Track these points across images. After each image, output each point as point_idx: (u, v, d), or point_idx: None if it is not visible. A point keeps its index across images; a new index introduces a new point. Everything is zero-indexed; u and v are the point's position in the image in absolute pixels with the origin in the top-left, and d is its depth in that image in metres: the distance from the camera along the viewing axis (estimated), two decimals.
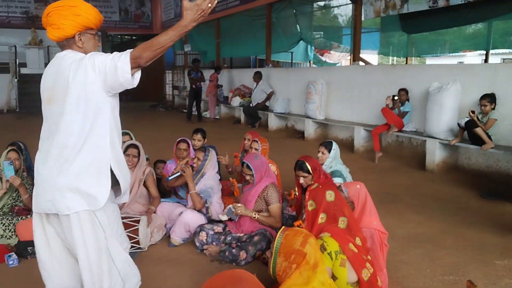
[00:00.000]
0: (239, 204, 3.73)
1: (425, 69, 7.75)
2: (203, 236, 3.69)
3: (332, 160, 4.16)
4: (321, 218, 2.63)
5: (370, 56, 13.95)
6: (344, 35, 13.01)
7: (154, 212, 4.04)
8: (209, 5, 1.93)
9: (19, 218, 3.91)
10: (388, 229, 3.06)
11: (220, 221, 3.96)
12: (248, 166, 3.74)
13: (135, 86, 2.08)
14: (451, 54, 11.74)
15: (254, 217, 3.66)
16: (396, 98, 6.77)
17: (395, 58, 12.72)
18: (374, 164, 6.77)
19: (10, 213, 4.02)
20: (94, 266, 2.11)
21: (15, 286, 3.15)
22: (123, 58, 2.00)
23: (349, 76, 8.56)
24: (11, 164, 3.94)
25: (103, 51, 2.20)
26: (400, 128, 6.85)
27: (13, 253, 3.53)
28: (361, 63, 8.90)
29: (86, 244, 2.08)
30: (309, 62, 15.44)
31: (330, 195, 2.65)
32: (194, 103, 12.34)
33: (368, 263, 2.56)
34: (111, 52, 2.11)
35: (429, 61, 14.25)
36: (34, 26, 15.16)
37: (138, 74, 2.10)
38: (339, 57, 15.44)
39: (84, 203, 2.05)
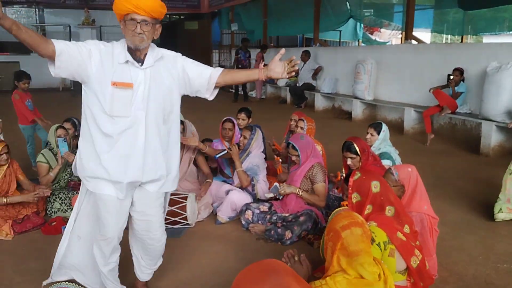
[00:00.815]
0: (282, 184, 3.73)
1: (483, 48, 7.33)
2: (249, 214, 3.73)
3: (381, 142, 4.06)
4: (368, 209, 2.55)
5: (423, 34, 13.35)
6: (395, 13, 12.53)
7: (208, 185, 4.15)
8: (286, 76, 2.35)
9: (75, 192, 4.10)
10: (439, 214, 2.96)
11: (266, 200, 3.99)
12: (293, 147, 3.72)
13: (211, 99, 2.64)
14: (510, 32, 11.03)
15: (298, 194, 3.65)
16: (452, 77, 6.46)
17: (449, 36, 12.12)
18: (425, 147, 6.55)
19: (66, 187, 4.23)
20: (158, 236, 2.61)
21: None
22: (213, 78, 2.57)
23: (400, 56, 8.26)
24: (65, 141, 4.15)
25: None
26: (454, 110, 6.56)
27: None
28: (413, 41, 8.56)
29: (158, 217, 2.60)
30: (358, 41, 15.03)
31: (375, 186, 2.52)
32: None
33: (417, 250, 2.49)
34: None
35: (487, 39, 13.45)
36: (87, 6, 15.61)
37: (215, 91, 2.63)
38: (390, 36, 14.93)
39: (170, 186, 2.55)
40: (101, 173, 2.27)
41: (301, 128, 4.56)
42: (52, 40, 2.10)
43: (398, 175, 2.87)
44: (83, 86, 2.27)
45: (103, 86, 2.20)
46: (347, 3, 11.61)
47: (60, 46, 2.11)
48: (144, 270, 2.69)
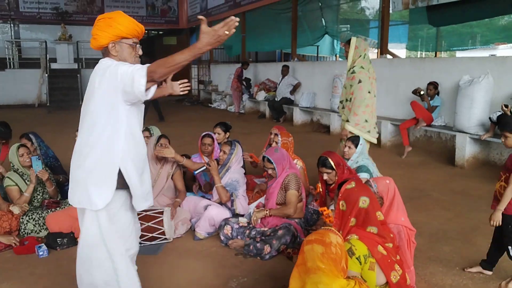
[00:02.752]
0: (254, 212, 3.75)
1: (456, 62, 7.54)
2: (228, 230, 3.70)
3: (358, 155, 4.11)
4: (352, 222, 2.55)
5: (398, 51, 13.67)
6: (371, 28, 12.79)
7: (179, 206, 4.08)
8: (226, 32, 1.95)
9: (49, 211, 4.00)
10: (415, 226, 3.00)
11: (244, 215, 3.97)
12: (269, 160, 3.74)
13: (148, 98, 2.20)
14: (482, 47, 11.37)
15: (268, 214, 3.68)
16: (422, 92, 6.62)
17: (423, 53, 12.42)
18: (401, 159, 6.64)
19: (40, 207, 4.12)
20: (84, 258, 2.36)
21: (45, 276, 3.23)
22: (140, 71, 2.10)
23: (376, 70, 8.27)
24: (38, 159, 4.06)
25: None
26: (429, 123, 6.69)
27: (43, 244, 3.63)
28: (388, 56, 8.73)
29: (82, 236, 2.37)
30: (335, 55, 15.26)
31: (364, 202, 2.51)
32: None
33: (397, 265, 2.50)
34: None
35: (459, 54, 13.85)
36: (64, 22, 15.50)
37: (153, 88, 2.24)
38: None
39: (86, 201, 2.25)
40: None
41: (276, 143, 4.59)
42: None
43: (377, 187, 2.90)
44: (128, 106, 2.24)
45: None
46: (323, 19, 11.81)
47: None
48: None
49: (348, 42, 4.52)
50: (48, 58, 14.35)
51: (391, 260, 2.46)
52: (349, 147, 4.15)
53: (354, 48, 4.51)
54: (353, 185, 2.59)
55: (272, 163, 3.72)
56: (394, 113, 7.78)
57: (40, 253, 3.53)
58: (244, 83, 12.28)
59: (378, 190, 2.89)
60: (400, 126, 6.88)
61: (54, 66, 14.56)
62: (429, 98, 6.69)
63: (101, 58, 2.32)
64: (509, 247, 2.94)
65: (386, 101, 8.00)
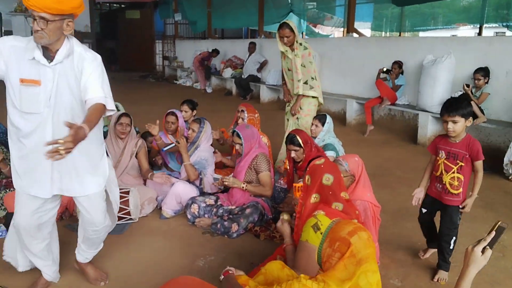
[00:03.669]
0: (228, 177, 3.72)
1: (420, 41, 7.66)
2: (195, 208, 3.67)
3: (325, 133, 4.14)
4: (315, 197, 2.57)
5: (362, 30, 13.80)
6: (337, 6, 12.80)
7: (148, 179, 4.05)
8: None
9: (7, 190, 3.84)
10: (380, 202, 3.05)
11: (212, 194, 3.94)
12: (238, 135, 3.71)
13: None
14: (444, 27, 11.62)
15: (243, 187, 3.66)
16: (387, 69, 6.72)
17: (387, 33, 12.56)
18: (365, 138, 6.76)
19: None
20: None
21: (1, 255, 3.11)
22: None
23: (342, 48, 8.45)
24: None
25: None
26: (393, 102, 6.81)
27: (1, 224, 3.49)
28: (355, 34, 8.77)
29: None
30: (302, 33, 15.23)
31: (327, 179, 2.55)
32: None
33: None
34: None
35: (422, 34, 14.13)
36: None
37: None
38: (332, 30, 15.24)
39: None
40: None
41: (242, 119, 4.56)
42: None
43: (348, 165, 2.93)
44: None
45: (13, 83, 2.21)
46: None
47: None
48: (82, 253, 2.77)
49: (286, 27, 4.51)
50: (3, 31, 13.62)
51: None
52: (316, 126, 4.17)
53: (295, 29, 4.55)
54: (322, 162, 2.63)
55: (240, 138, 3.69)
56: (359, 91, 7.87)
57: None
58: (204, 71, 12.17)
59: (350, 168, 2.92)
60: (365, 104, 6.98)
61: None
62: (394, 77, 6.79)
63: None
64: (453, 239, 2.90)
65: (352, 80, 8.08)
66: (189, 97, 5.38)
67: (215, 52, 12.17)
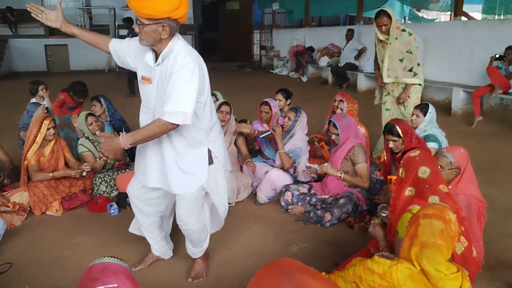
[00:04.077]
0: (326, 164, 3.69)
1: None
2: (288, 196, 3.72)
3: (427, 124, 3.92)
4: (409, 191, 2.45)
5: (472, 14, 12.74)
6: None
7: (253, 167, 4.17)
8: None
9: (119, 172, 4.22)
10: (487, 199, 2.84)
11: (306, 182, 3.96)
12: (334, 125, 3.67)
13: None
14: None
15: (340, 176, 3.61)
16: (500, 56, 6.14)
17: (501, 16, 11.42)
18: (473, 129, 6.27)
19: (111, 169, 4.34)
20: None
21: (116, 233, 3.44)
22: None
23: (448, 33, 7.88)
24: (109, 125, 4.29)
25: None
26: (506, 90, 6.22)
27: (114, 203, 3.85)
28: (463, 18, 8.14)
29: None
30: (404, 18, 14.49)
31: (423, 172, 2.40)
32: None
33: (463, 236, 2.39)
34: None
35: None
36: None
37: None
38: (438, 14, 14.29)
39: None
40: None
41: (341, 109, 4.49)
42: (111, 39, 2.53)
43: (453, 157, 2.76)
44: None
45: (138, 80, 2.49)
46: None
47: (112, 46, 2.51)
48: (190, 249, 2.83)
49: (383, 15, 4.30)
50: (116, 25, 14.81)
51: None
52: (417, 115, 3.96)
53: (393, 16, 4.34)
54: (417, 154, 2.49)
55: (337, 128, 3.65)
56: (467, 79, 7.30)
57: (111, 211, 3.76)
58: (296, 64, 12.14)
59: (455, 160, 2.75)
60: (474, 93, 6.46)
61: (122, 32, 15.01)
62: (508, 63, 6.19)
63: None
64: None
65: (459, 66, 7.52)
66: (285, 86, 5.42)
67: (310, 50, 12.13)
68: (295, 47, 12.25)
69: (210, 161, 2.54)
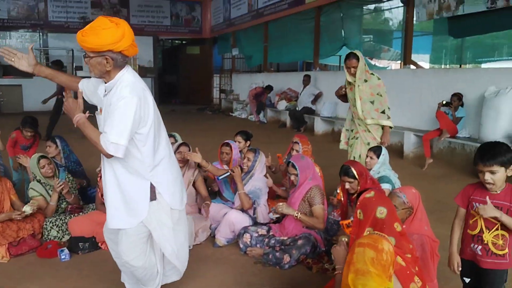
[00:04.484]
0: (281, 203, 3.71)
1: (481, 73, 7.40)
2: (247, 238, 3.70)
3: (380, 166, 4.06)
4: (368, 231, 2.50)
5: (420, 63, 13.56)
6: (394, 39, 12.69)
7: (207, 207, 4.10)
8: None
9: (72, 216, 4.07)
10: (439, 238, 2.94)
11: (264, 224, 3.96)
12: (293, 165, 3.73)
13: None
14: (508, 58, 11.15)
15: (296, 216, 3.63)
16: (446, 102, 6.53)
17: (448, 65, 12.22)
18: (424, 171, 6.53)
19: (63, 213, 4.18)
20: None
21: (66, 279, 3.28)
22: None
23: (399, 80, 8.33)
24: (64, 170, 4.17)
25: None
26: (453, 134, 6.57)
27: (65, 248, 3.69)
28: (412, 66, 8.65)
29: None
30: None
31: (381, 212, 2.46)
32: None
33: (417, 277, 2.44)
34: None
35: (485, 66, 13.63)
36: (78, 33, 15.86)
37: None
38: (389, 63, 15.09)
39: None
40: None
41: (296, 151, 4.59)
42: (81, 79, 2.62)
43: (406, 196, 2.85)
44: None
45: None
46: (342, 30, 11.66)
47: (81, 85, 2.59)
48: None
49: (353, 57, 4.54)
50: (74, 66, 14.67)
51: (410, 271, 2.40)
52: (371, 157, 4.11)
53: (361, 59, 4.56)
54: (372, 195, 2.55)
55: (296, 169, 3.71)
56: (417, 124, 7.68)
57: (62, 257, 3.59)
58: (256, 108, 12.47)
59: (408, 200, 2.84)
60: (423, 137, 6.78)
61: (80, 73, 14.89)
62: (454, 109, 6.58)
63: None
64: None
65: (409, 111, 7.91)
66: (244, 128, 5.49)
67: (268, 89, 12.47)
68: (254, 90, 12.53)
69: (153, 197, 2.48)
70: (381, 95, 4.62)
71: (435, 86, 7.36)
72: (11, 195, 3.96)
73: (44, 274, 3.36)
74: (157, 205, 2.50)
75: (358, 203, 2.56)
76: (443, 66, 12.70)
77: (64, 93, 2.42)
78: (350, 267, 2.13)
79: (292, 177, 3.77)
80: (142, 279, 2.67)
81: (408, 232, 2.67)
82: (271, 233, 3.75)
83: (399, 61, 12.26)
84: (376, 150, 4.13)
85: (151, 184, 2.45)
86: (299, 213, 3.64)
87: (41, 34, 16.76)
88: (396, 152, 7.53)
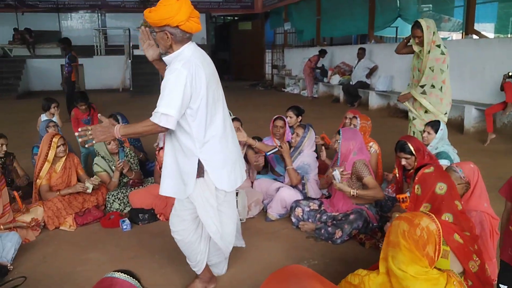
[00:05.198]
0: (345, 172, 3.57)
1: None
2: (299, 212, 3.72)
3: (438, 141, 3.91)
4: (425, 207, 2.44)
5: (485, 33, 12.74)
6: (455, 7, 12.00)
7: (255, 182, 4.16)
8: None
9: (132, 189, 4.27)
10: (499, 217, 2.80)
11: (316, 198, 3.95)
12: (338, 132, 3.67)
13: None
14: None
15: (353, 194, 3.49)
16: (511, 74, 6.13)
17: None
18: (486, 147, 6.22)
19: (124, 187, 4.39)
20: None
21: (128, 248, 3.47)
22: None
23: (460, 51, 7.89)
24: (123, 151, 4.35)
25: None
26: None
27: (126, 219, 3.89)
28: (475, 36, 8.16)
29: None
30: None
31: (441, 188, 2.39)
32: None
33: (475, 255, 2.36)
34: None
35: None
36: (145, 9, 16.19)
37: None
38: (449, 33, 14.32)
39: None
40: None
41: (354, 125, 4.49)
42: None
43: (462, 171, 2.75)
44: None
45: None
46: (397, 0, 11.09)
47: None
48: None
49: (417, 27, 4.31)
50: (131, 45, 15.10)
51: (468, 249, 2.33)
52: (429, 133, 3.95)
53: (427, 29, 4.31)
54: (432, 170, 2.47)
55: (340, 135, 3.66)
56: (479, 97, 7.28)
57: (124, 227, 3.79)
58: (319, 71, 12.19)
59: (465, 175, 2.73)
60: (486, 111, 6.43)
61: (136, 52, 15.28)
62: None
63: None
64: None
65: (471, 84, 7.51)
66: (296, 104, 5.46)
67: (323, 52, 12.16)
68: (309, 63, 12.27)
69: (200, 174, 2.50)
70: (432, 70, 4.38)
71: (500, 57, 6.92)
72: (78, 170, 4.21)
73: (108, 242, 3.58)
74: (204, 182, 2.52)
75: (417, 178, 2.50)
76: (509, 36, 11.87)
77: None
78: (386, 239, 2.18)
79: (336, 144, 3.72)
80: (185, 252, 2.76)
81: (466, 209, 2.58)
82: (322, 208, 3.75)
83: (461, 31, 11.62)
84: (434, 125, 3.96)
85: (199, 161, 2.48)
86: (355, 190, 3.51)
87: (99, 14, 17.36)
88: (456, 127, 7.22)
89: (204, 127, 2.44)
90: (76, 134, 2.36)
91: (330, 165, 3.86)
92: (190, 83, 2.30)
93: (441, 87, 4.41)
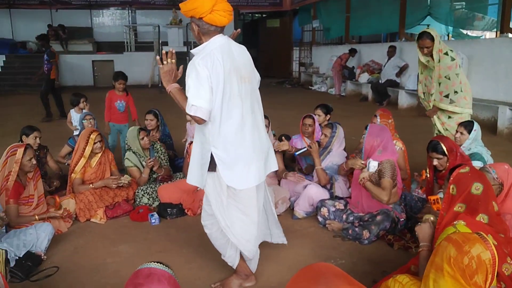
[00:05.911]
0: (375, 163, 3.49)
1: None
2: (324, 211, 3.70)
3: (471, 142, 3.81)
4: (459, 207, 2.39)
5: None
6: (490, 5, 11.62)
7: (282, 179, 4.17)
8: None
9: (161, 183, 4.32)
10: None
11: (342, 198, 3.91)
12: (366, 128, 3.62)
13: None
14: None
15: (361, 181, 3.45)
16: None
17: None
18: None
19: (154, 182, 4.45)
20: None
21: (157, 242, 3.53)
22: None
23: (494, 50, 7.67)
24: (153, 148, 4.47)
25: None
26: None
27: (155, 213, 3.95)
28: (510, 35, 7.91)
29: None
30: (447, 35, 14.19)
31: (477, 188, 2.35)
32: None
33: (510, 258, 2.30)
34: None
35: None
36: (174, 7, 16.35)
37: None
38: (483, 32, 13.91)
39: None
40: None
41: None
42: None
43: (496, 172, 2.68)
44: None
45: None
46: None
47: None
48: None
49: (426, 37, 4.19)
50: (160, 42, 15.29)
51: (502, 251, 2.27)
52: (461, 133, 3.86)
53: (436, 38, 4.20)
54: (467, 170, 2.42)
55: (366, 130, 3.60)
56: None
57: (152, 221, 3.85)
58: (348, 71, 12.06)
59: (498, 176, 2.66)
60: None
61: (166, 49, 15.42)
62: None
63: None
64: None
65: (506, 84, 7.30)
66: (324, 102, 5.42)
67: (353, 51, 12.02)
68: (339, 60, 12.14)
69: (212, 168, 2.51)
70: (449, 78, 4.26)
71: None
72: (112, 166, 4.31)
73: (136, 236, 3.64)
74: (216, 177, 2.55)
75: (452, 178, 2.46)
76: None
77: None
78: (432, 257, 2.03)
79: (361, 139, 3.67)
80: (215, 245, 2.82)
81: (501, 212, 2.51)
82: (348, 208, 3.70)
83: (495, 30, 11.27)
84: (467, 125, 3.87)
85: (212, 155, 2.50)
86: (366, 180, 3.44)
87: (129, 11, 17.62)
88: (489, 128, 7.03)
89: (218, 122, 2.45)
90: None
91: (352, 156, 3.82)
92: (209, 77, 2.37)
93: (461, 88, 4.32)
